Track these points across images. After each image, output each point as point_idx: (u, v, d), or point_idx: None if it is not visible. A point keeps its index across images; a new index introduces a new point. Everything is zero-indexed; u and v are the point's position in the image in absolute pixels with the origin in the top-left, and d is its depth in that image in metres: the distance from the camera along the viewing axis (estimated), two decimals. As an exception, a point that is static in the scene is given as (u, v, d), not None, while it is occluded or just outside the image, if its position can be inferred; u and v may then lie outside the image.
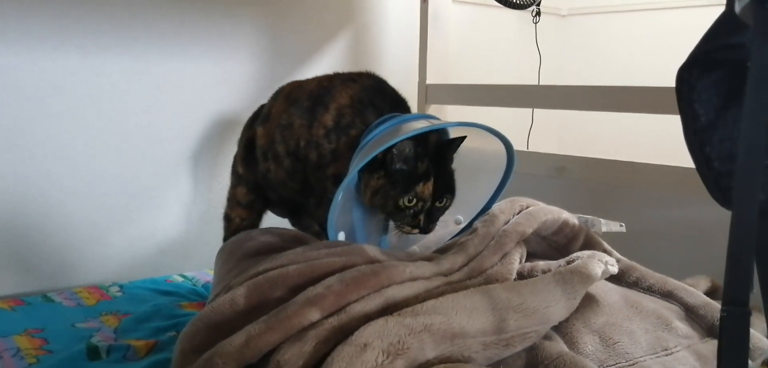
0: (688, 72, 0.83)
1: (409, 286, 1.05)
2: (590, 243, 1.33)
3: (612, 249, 1.33)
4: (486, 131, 1.26)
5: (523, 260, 1.25)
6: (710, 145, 0.82)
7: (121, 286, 1.69)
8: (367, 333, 0.88)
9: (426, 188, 1.24)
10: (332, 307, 0.96)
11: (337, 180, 1.28)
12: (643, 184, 1.64)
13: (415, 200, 1.24)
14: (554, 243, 1.34)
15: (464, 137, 1.27)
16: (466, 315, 0.95)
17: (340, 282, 1.00)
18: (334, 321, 0.94)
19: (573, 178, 1.75)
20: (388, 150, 1.20)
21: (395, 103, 1.37)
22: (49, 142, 1.67)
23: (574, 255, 1.22)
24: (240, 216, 1.59)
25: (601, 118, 1.88)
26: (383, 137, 1.22)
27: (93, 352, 1.29)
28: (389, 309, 0.98)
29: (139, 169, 1.83)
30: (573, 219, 1.33)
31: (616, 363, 1.05)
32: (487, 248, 1.19)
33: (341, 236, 1.29)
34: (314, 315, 0.94)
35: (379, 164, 1.23)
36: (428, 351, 0.89)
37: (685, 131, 0.84)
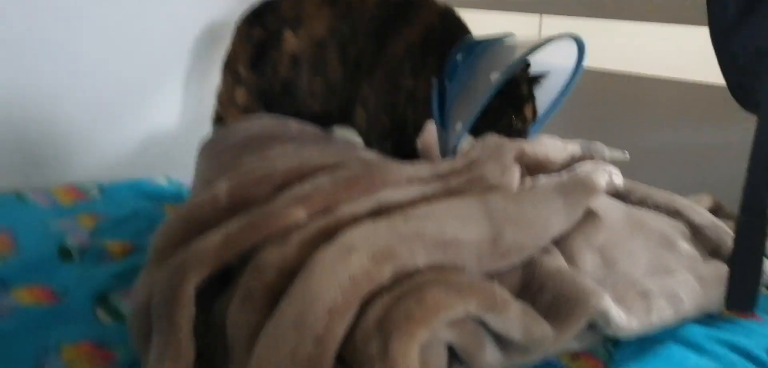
0: None
1: (405, 189, 0.98)
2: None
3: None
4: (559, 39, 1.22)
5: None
6: (738, 39, 0.74)
7: (101, 187, 1.61)
8: (354, 235, 0.81)
9: (529, 109, 1.25)
10: (319, 208, 0.89)
11: (411, 95, 1.29)
12: (648, 98, 1.57)
13: (519, 121, 1.24)
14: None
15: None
16: (460, 223, 0.89)
17: (330, 182, 0.93)
18: (320, 222, 0.87)
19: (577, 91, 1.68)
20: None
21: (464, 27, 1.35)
22: (28, 35, 1.57)
23: (577, 167, 1.15)
24: (235, 118, 1.50)
25: (607, 29, 1.78)
26: (496, 59, 1.17)
27: (65, 253, 1.23)
28: (381, 213, 0.91)
29: (127, 66, 1.73)
30: (576, 148, 1.26)
31: (615, 283, 0.99)
32: (490, 157, 1.13)
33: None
34: (300, 214, 0.87)
35: None
36: (419, 259, 0.83)
37: (712, 25, 0.76)
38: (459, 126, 1.15)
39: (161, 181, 1.72)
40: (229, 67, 1.52)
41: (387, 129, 1.33)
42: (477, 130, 1.24)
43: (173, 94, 1.84)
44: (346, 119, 1.43)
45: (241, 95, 1.49)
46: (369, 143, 1.38)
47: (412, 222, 0.85)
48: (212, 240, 0.83)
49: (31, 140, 1.63)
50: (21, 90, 1.59)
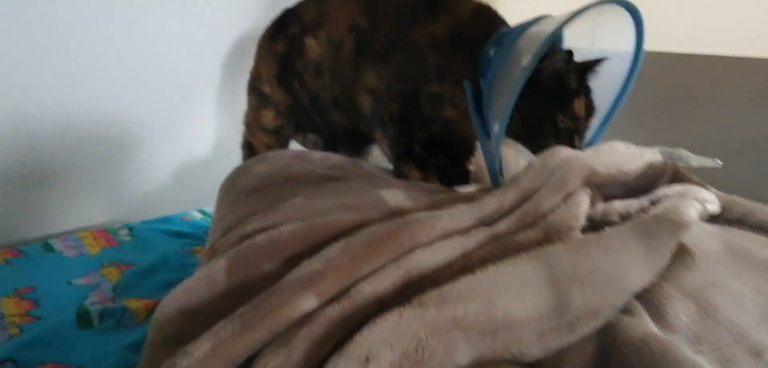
0: None
1: (441, 248, 0.79)
2: (678, 180, 1.05)
3: (706, 186, 1.04)
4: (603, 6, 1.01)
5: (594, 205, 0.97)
6: None
7: (130, 228, 1.51)
8: (372, 337, 0.62)
9: (580, 105, 1.08)
10: (333, 289, 0.71)
11: (436, 99, 1.13)
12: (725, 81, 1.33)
13: (568, 120, 1.07)
14: (635, 189, 1.06)
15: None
16: (513, 296, 0.70)
17: (343, 253, 0.74)
18: (333, 311, 0.69)
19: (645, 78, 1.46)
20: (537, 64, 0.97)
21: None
22: (50, 72, 1.46)
23: (661, 193, 0.94)
24: (265, 143, 1.36)
25: (674, 6, 1.54)
26: (529, 43, 0.98)
27: (84, 319, 1.13)
28: (411, 287, 0.73)
29: (155, 94, 1.61)
30: (656, 156, 1.04)
31: (718, 341, 0.78)
32: (546, 184, 0.92)
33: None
34: (308, 302, 0.69)
35: (527, 82, 0.97)
36: (460, 355, 0.65)
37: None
38: (497, 127, 0.97)
39: (195, 215, 1.60)
40: (254, 88, 1.38)
41: (395, 114, 1.16)
42: (522, 137, 1.05)
43: (205, 118, 1.71)
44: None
45: (268, 117, 1.35)
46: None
47: (450, 305, 0.67)
48: (199, 349, 0.65)
49: (60, 183, 1.53)
50: (40, 133, 1.48)
